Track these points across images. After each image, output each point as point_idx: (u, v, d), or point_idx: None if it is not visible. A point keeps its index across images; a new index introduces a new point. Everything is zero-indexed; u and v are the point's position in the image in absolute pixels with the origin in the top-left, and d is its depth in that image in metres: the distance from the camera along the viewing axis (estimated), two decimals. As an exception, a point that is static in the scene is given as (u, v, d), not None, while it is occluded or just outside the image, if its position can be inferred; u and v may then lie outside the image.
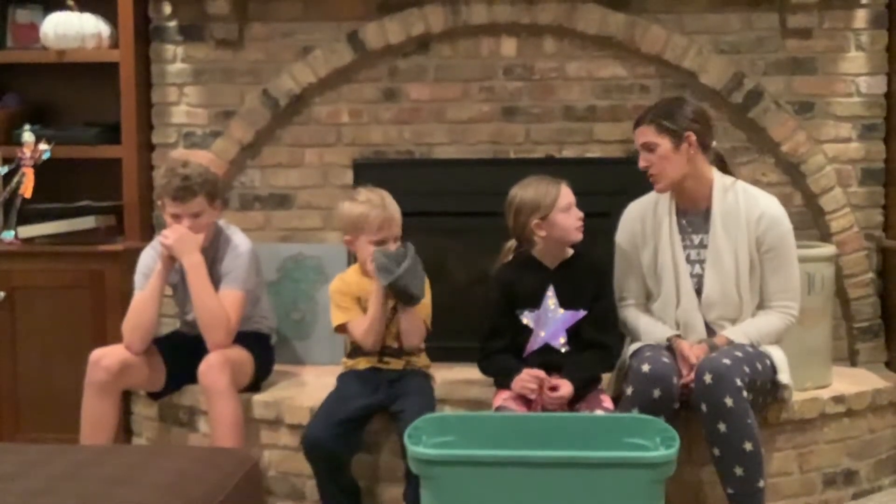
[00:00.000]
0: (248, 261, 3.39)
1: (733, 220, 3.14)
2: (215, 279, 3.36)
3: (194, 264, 3.27)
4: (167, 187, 3.30)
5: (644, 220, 3.26)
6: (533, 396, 3.04)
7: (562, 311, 3.14)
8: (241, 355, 3.34)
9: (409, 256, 3.09)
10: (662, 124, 3.12)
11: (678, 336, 3.14)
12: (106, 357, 3.24)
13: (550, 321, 3.14)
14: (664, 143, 3.11)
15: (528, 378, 3.04)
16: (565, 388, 3.03)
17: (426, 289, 3.22)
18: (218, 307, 3.28)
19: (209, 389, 3.20)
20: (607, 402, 3.10)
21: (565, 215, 3.12)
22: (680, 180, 3.15)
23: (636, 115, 3.78)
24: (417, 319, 3.18)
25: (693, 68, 3.76)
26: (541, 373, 3.05)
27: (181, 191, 3.28)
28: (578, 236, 3.15)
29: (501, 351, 3.17)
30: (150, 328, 3.30)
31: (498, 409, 3.06)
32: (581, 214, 3.15)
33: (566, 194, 3.14)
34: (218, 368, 3.20)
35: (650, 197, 3.29)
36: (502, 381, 3.15)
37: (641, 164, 3.15)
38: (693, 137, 3.12)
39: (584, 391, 3.10)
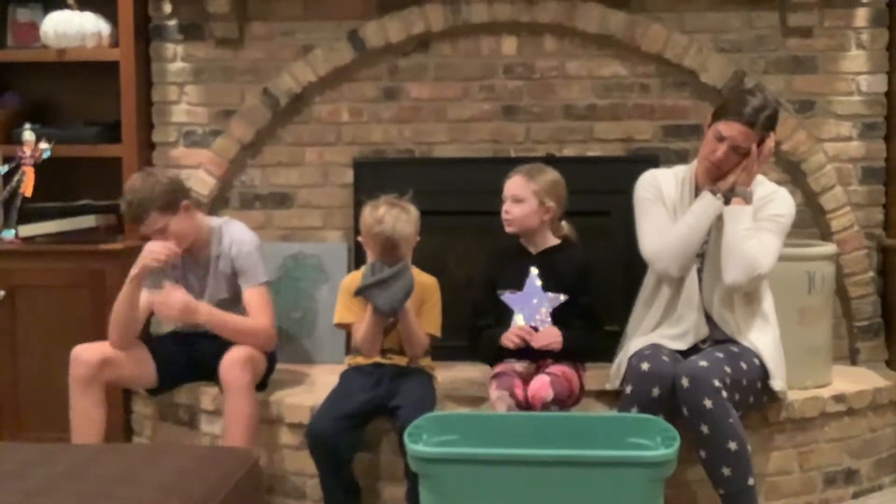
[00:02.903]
0: (256, 254, 3.40)
1: (741, 209, 3.13)
2: (220, 276, 3.40)
3: (206, 315, 3.28)
4: (124, 216, 3.35)
5: (667, 187, 3.24)
6: (514, 345, 3.09)
7: (542, 292, 3.14)
8: (258, 354, 3.35)
9: (387, 272, 3.08)
10: (762, 136, 3.09)
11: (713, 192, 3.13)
12: (85, 352, 3.26)
13: (531, 300, 3.14)
14: (750, 150, 3.09)
15: (513, 332, 3.09)
16: (550, 332, 3.09)
17: (435, 300, 3.25)
18: (252, 327, 3.32)
19: (230, 385, 3.20)
20: (556, 369, 3.11)
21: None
22: None
23: (636, 113, 3.82)
24: (414, 332, 3.17)
25: (693, 67, 3.76)
26: (527, 329, 3.10)
27: (130, 217, 3.32)
28: (506, 228, 3.21)
29: (486, 328, 3.20)
30: (128, 326, 3.31)
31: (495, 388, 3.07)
32: (507, 209, 3.19)
33: (505, 187, 3.22)
34: (241, 366, 3.21)
35: (669, 172, 3.30)
36: (493, 355, 3.19)
37: (721, 156, 3.08)
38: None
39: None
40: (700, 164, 3.18)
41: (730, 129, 3.08)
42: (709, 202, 3.12)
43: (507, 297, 3.16)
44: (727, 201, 3.11)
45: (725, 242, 3.08)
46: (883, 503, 3.44)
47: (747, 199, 3.10)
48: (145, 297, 3.33)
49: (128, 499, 2.21)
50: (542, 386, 3.03)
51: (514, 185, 3.20)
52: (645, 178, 3.28)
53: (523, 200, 3.18)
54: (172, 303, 3.22)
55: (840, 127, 3.81)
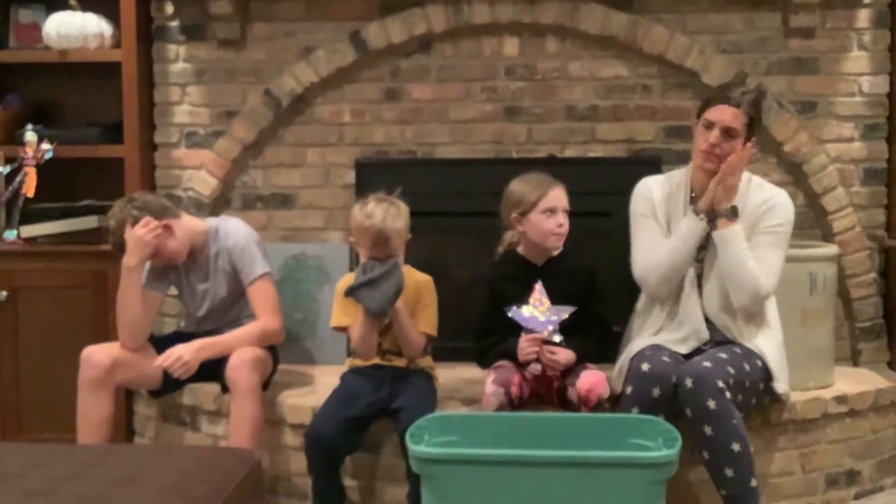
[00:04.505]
0: (252, 247, 3.41)
1: (740, 212, 3.13)
2: (220, 272, 3.42)
3: (212, 347, 3.28)
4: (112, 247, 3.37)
5: (660, 195, 3.24)
6: (537, 370, 3.06)
7: (549, 304, 3.11)
8: (266, 355, 3.36)
9: (376, 271, 3.07)
10: (753, 122, 3.10)
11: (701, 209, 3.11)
12: (96, 353, 3.26)
13: (539, 315, 3.12)
14: (740, 138, 3.09)
15: (526, 344, 3.05)
16: (564, 353, 3.05)
17: (430, 299, 3.23)
18: (260, 331, 3.33)
19: (238, 386, 3.20)
20: (594, 367, 3.10)
21: (543, 218, 3.12)
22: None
23: (638, 115, 3.82)
24: (407, 332, 3.16)
25: (695, 68, 3.76)
26: (538, 336, 3.06)
27: (114, 245, 3.33)
28: (554, 244, 3.15)
29: (495, 344, 3.18)
30: (138, 324, 3.32)
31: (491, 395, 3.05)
32: (562, 222, 3.12)
33: (553, 198, 3.13)
34: (249, 367, 3.21)
35: (665, 178, 3.30)
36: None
37: (713, 140, 3.08)
38: (753, 143, 3.14)
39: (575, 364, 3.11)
40: (695, 160, 3.18)
41: (717, 112, 3.09)
42: (693, 224, 3.10)
43: (515, 312, 3.11)
44: (713, 219, 3.10)
45: (725, 268, 3.09)
46: (885, 504, 3.45)
47: (733, 217, 3.08)
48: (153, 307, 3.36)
49: (129, 500, 2.21)
50: (599, 381, 3.02)
51: (563, 197, 3.15)
52: (639, 189, 3.28)
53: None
54: (181, 356, 3.20)
55: (842, 128, 3.81)
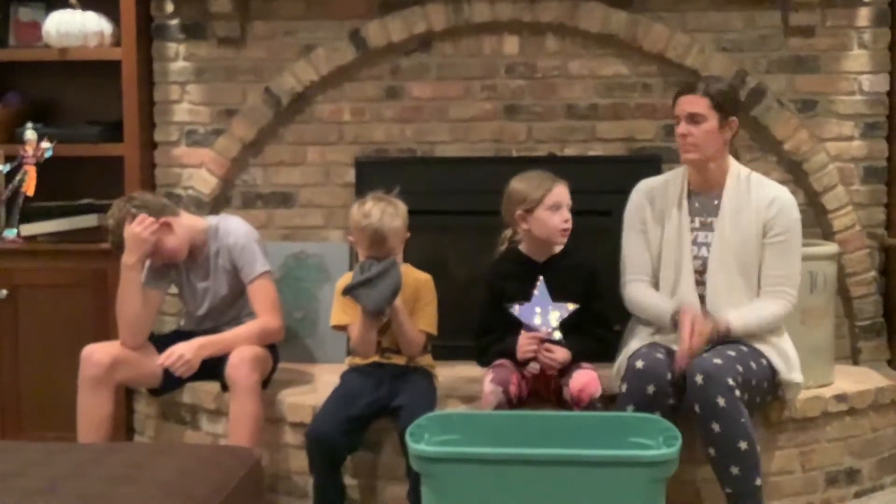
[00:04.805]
0: (252, 245, 3.41)
1: (742, 208, 3.15)
2: (220, 271, 3.42)
3: (213, 345, 3.28)
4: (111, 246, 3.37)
5: (655, 197, 3.25)
6: (535, 369, 3.06)
7: (551, 302, 3.11)
8: (265, 353, 3.36)
9: (373, 270, 3.07)
10: (717, 102, 3.12)
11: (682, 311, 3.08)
12: (97, 352, 3.26)
13: (541, 311, 3.12)
14: (712, 121, 3.11)
15: (526, 342, 3.06)
16: (562, 352, 3.05)
17: (429, 297, 3.23)
18: (261, 330, 3.33)
19: (237, 385, 3.20)
20: (587, 366, 3.11)
21: (550, 213, 3.12)
22: (708, 159, 3.15)
23: (638, 113, 3.82)
24: (406, 331, 3.16)
25: (695, 66, 3.75)
26: (538, 334, 3.07)
27: (113, 244, 3.33)
28: (560, 239, 3.15)
29: (495, 343, 3.18)
30: (138, 322, 3.32)
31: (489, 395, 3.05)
32: (568, 217, 3.13)
33: (558, 194, 3.13)
34: (249, 365, 3.21)
35: (662, 177, 3.32)
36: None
37: (681, 130, 3.12)
38: (736, 124, 3.16)
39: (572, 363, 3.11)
40: (681, 157, 3.21)
41: (679, 105, 3.16)
42: (666, 321, 3.12)
43: (517, 309, 3.10)
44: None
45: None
46: (885, 503, 3.44)
47: (724, 336, 3.08)
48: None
49: (129, 499, 2.21)
50: (591, 381, 3.02)
51: (567, 193, 3.16)
52: (632, 196, 3.30)
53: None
54: (183, 354, 3.20)
55: (842, 126, 3.81)
